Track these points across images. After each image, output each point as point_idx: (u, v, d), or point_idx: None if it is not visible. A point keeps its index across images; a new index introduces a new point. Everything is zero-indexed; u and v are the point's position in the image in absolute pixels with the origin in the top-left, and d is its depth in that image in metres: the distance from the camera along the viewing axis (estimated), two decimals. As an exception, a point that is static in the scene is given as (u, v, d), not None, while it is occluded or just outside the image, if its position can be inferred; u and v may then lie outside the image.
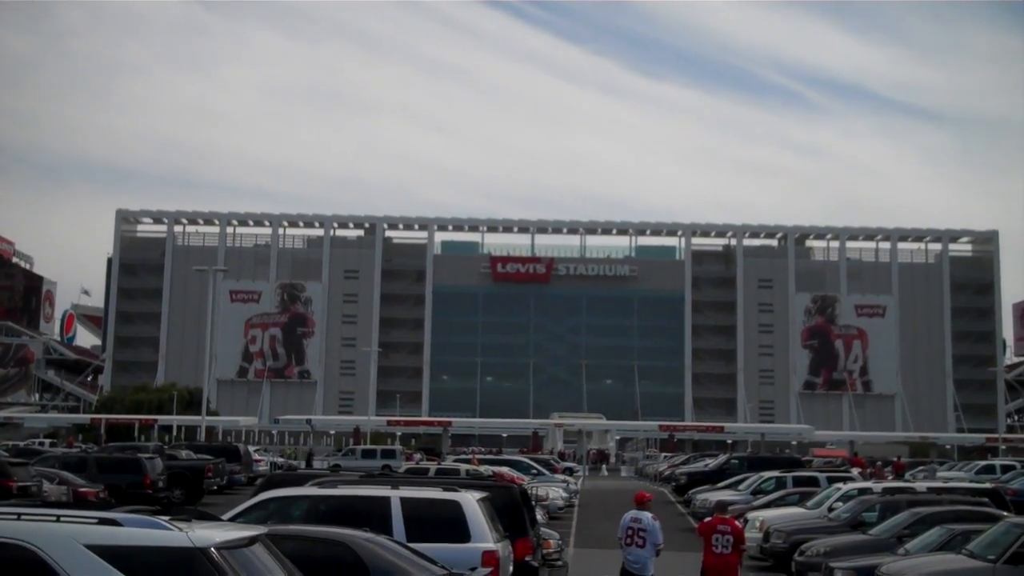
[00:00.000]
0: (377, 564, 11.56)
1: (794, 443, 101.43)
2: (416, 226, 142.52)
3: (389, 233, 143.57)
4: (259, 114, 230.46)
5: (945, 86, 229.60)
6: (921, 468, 53.97)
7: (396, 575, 11.47)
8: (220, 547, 7.90)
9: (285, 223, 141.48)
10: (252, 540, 8.53)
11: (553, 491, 36.94)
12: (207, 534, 8.00)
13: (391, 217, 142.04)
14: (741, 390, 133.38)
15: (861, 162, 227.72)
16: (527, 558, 15.97)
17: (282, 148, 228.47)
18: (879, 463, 54.17)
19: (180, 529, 7.95)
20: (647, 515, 16.95)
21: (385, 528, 13.34)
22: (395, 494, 14.28)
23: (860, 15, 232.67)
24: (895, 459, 60.37)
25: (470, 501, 14.13)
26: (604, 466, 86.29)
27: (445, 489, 14.82)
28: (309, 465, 54.76)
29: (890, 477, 37.00)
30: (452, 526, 13.84)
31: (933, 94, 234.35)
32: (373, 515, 13.67)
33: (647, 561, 16.74)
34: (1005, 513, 22.25)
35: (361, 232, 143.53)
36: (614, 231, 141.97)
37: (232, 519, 13.50)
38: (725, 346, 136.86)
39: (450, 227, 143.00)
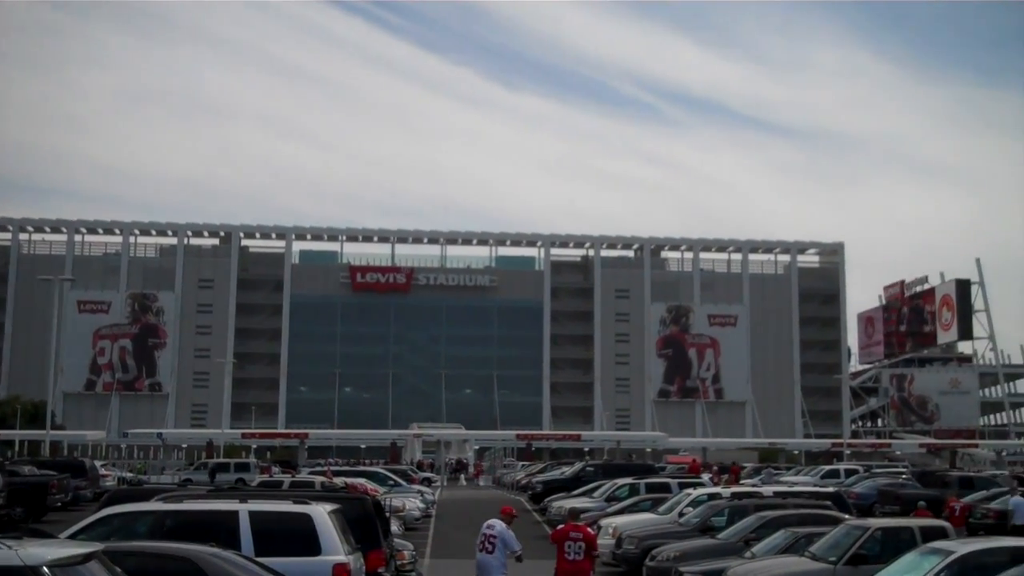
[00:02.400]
0: (223, 579, 11.34)
1: (649, 450, 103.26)
2: (273, 235, 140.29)
3: (245, 242, 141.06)
4: (111, 118, 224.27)
5: (794, 101, 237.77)
6: (760, 475, 55.49)
7: (242, 590, 11.28)
8: (52, 565, 7.65)
9: (137, 231, 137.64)
10: (87, 557, 8.27)
11: (410, 502, 36.81)
12: (38, 552, 7.74)
13: (247, 226, 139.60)
14: (598, 398, 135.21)
15: (715, 175, 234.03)
16: (380, 570, 15.92)
17: (135, 153, 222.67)
18: (715, 468, 55.84)
19: (9, 547, 7.68)
20: (500, 522, 17.16)
21: (233, 543, 13.09)
22: (243, 508, 14.04)
23: (713, 31, 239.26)
24: (731, 464, 62.03)
25: (321, 514, 13.99)
26: (463, 476, 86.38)
27: (295, 502, 14.65)
28: (212, 480, 52.94)
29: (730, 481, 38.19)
30: (302, 539, 13.69)
31: (783, 109, 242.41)
32: (221, 530, 13.40)
33: (493, 567, 16.93)
34: (846, 516, 23.07)
35: (216, 241, 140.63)
36: (475, 241, 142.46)
37: (72, 536, 13.09)
38: (583, 355, 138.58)
39: (308, 236, 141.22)
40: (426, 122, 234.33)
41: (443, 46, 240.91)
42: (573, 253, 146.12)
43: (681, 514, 26.92)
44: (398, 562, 18.82)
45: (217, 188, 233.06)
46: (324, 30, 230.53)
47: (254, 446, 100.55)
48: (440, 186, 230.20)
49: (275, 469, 60.50)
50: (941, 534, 17.60)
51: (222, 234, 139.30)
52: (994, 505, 32.51)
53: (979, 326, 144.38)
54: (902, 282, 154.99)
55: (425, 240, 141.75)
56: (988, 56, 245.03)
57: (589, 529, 18.50)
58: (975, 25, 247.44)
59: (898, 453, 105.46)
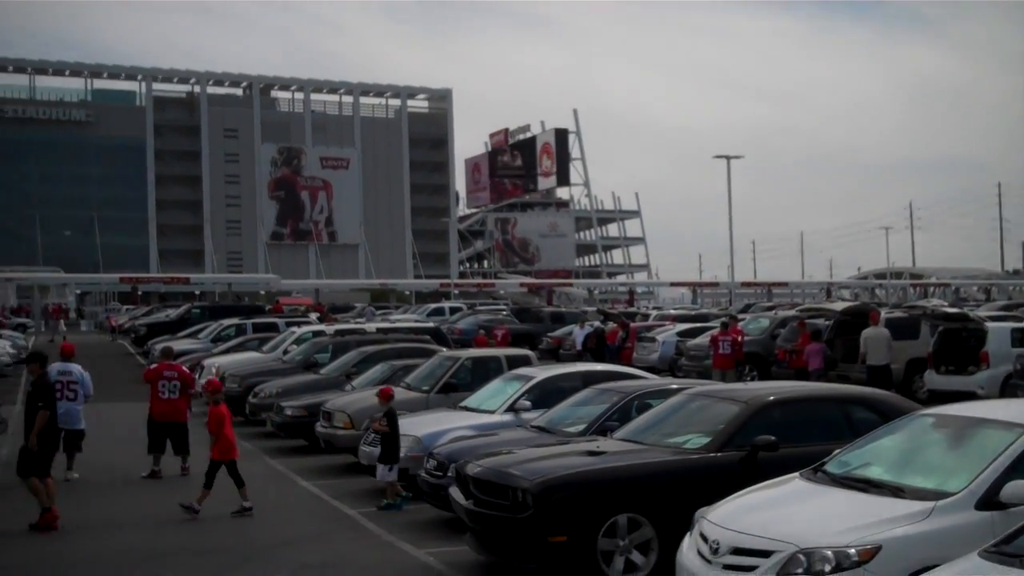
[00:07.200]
0: None
1: (263, 292, 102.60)
2: None
3: None
4: None
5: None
6: (360, 314, 57.18)
7: None
8: None
9: None
10: None
11: (-2, 347, 34.95)
12: None
13: None
14: (208, 241, 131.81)
15: (327, 15, 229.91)
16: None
17: None
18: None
19: None
20: (76, 367, 16.62)
21: None
22: None
23: None
24: (318, 305, 65.16)
25: None
26: (63, 321, 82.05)
27: None
28: None
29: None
30: None
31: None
32: None
33: (77, 413, 16.47)
34: (444, 349, 24.11)
35: None
36: (67, 72, 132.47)
37: None
38: (191, 197, 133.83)
39: None
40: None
41: None
42: (177, 89, 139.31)
43: (286, 352, 27.08)
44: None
45: None
46: None
47: None
48: (28, 11, 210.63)
49: None
50: (525, 362, 18.79)
51: None
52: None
53: (576, 173, 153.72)
54: (506, 130, 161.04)
55: (11, 68, 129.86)
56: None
57: (184, 368, 18.22)
58: None
59: (501, 292, 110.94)
